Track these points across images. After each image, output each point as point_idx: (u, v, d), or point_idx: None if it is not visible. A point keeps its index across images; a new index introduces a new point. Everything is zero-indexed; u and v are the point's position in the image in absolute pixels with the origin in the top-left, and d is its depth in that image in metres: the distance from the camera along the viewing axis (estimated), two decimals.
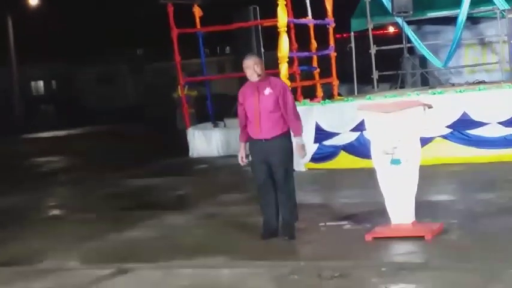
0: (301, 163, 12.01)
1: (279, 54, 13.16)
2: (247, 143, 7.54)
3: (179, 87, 17.04)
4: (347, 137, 12.02)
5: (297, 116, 7.41)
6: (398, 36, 16.91)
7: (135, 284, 6.52)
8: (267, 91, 7.31)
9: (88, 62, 44.10)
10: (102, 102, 40.55)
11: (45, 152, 21.00)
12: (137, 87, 45.63)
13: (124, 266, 6.99)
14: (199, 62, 17.92)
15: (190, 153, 16.28)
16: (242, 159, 7.54)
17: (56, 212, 11.28)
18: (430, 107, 7.22)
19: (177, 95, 17.66)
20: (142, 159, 16.44)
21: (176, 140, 17.29)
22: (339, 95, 15.92)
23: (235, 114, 18.46)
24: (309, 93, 15.39)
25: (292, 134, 7.43)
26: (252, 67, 7.31)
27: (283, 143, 7.34)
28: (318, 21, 15.99)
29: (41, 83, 47.06)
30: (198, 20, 16.35)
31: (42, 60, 42.85)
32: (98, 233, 8.77)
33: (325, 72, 16.10)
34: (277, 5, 13.38)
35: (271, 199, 7.47)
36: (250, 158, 7.53)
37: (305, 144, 7.53)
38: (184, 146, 16.37)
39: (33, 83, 46.33)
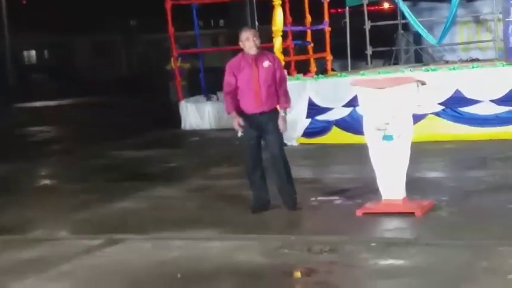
0: (293, 138, 12.03)
1: (273, 28, 13.09)
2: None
3: (172, 59, 16.97)
4: (340, 112, 12.02)
5: (287, 90, 7.46)
6: (393, 13, 16.86)
7: (125, 254, 6.53)
8: (266, 64, 7.31)
9: (81, 32, 43.85)
10: (95, 73, 40.37)
11: (37, 121, 20.95)
12: (130, 58, 45.49)
13: (114, 237, 7.00)
14: (193, 34, 17.85)
15: (182, 126, 16.27)
16: (239, 124, 7.33)
17: (46, 182, 11.27)
18: (423, 83, 7.21)
19: (170, 67, 17.60)
20: (135, 131, 16.40)
21: (169, 112, 17.26)
22: (333, 70, 15.88)
23: None
24: (303, 68, 15.36)
25: (279, 106, 7.41)
26: (251, 39, 7.28)
27: (277, 117, 7.39)
28: None
29: (33, 53, 46.82)
30: None
31: (35, 30, 42.58)
32: (88, 203, 8.77)
33: (319, 47, 16.04)
34: None
35: (261, 173, 7.52)
36: (239, 133, 7.46)
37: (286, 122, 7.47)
38: (177, 119, 16.36)
39: (25, 52, 46.08)
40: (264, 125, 7.35)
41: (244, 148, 7.53)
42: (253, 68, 7.30)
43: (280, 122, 7.35)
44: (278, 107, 7.45)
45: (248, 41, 7.30)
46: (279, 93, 7.37)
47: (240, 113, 7.41)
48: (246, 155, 7.53)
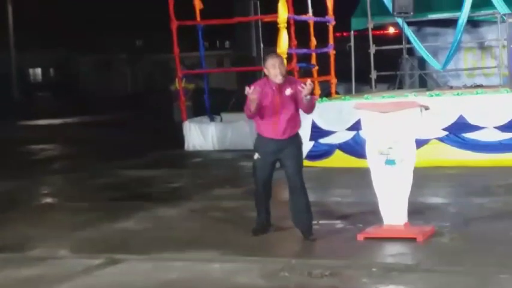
0: None
1: (278, 50, 13.16)
2: (256, 140, 7.37)
3: (177, 79, 17.01)
4: (343, 135, 12.02)
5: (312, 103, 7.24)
6: (398, 37, 16.88)
7: (125, 274, 6.51)
8: (288, 91, 7.13)
9: (87, 51, 44.05)
10: (100, 91, 40.51)
11: (41, 139, 20.97)
12: (135, 78, 45.63)
13: (115, 257, 6.98)
14: (198, 55, 17.88)
15: (185, 146, 16.27)
16: (250, 89, 6.98)
17: (48, 200, 11.26)
18: (427, 108, 7.22)
19: (174, 87, 17.64)
20: (138, 150, 16.41)
21: (172, 132, 17.28)
22: (337, 93, 15.91)
23: (232, 109, 18.50)
24: None
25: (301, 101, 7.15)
26: (278, 67, 7.07)
27: (298, 141, 7.29)
28: (318, 19, 15.97)
29: (39, 70, 47.00)
30: (198, 13, 16.31)
31: (41, 47, 42.79)
32: (90, 222, 8.76)
33: (324, 70, 16.09)
34: (278, 0, 13.35)
35: (267, 197, 7.45)
36: (256, 156, 7.29)
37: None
38: (180, 139, 16.37)
39: (31, 70, 46.28)
40: (282, 149, 7.19)
41: (256, 169, 7.36)
42: (275, 97, 7.13)
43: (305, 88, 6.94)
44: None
45: (274, 68, 7.09)
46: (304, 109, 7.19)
47: (259, 136, 7.30)
48: (257, 176, 7.37)
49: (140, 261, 6.90)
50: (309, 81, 7.16)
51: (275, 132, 7.19)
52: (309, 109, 7.24)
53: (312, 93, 7.18)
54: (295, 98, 7.15)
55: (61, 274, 6.56)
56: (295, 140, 7.28)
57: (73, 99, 37.64)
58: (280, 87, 7.15)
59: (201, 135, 16.21)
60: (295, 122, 7.25)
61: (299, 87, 7.02)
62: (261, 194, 7.43)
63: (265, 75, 7.30)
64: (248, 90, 7.01)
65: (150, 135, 20.34)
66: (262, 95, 7.14)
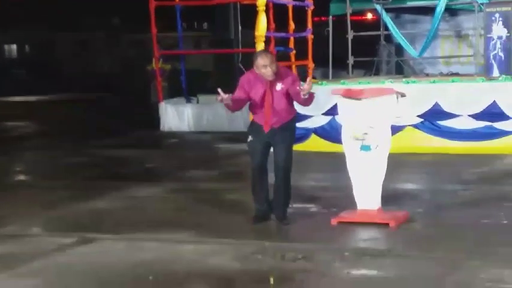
0: None
1: (256, 33, 13.12)
2: (250, 124, 7.29)
3: (154, 60, 16.93)
4: (319, 120, 12.05)
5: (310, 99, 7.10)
6: (376, 23, 16.89)
7: (97, 254, 6.49)
8: (279, 86, 7.03)
9: (63, 29, 43.63)
10: (76, 70, 40.16)
11: (14, 116, 20.81)
12: (112, 57, 45.27)
13: (87, 236, 6.96)
14: (175, 35, 17.80)
15: (161, 127, 16.24)
16: (222, 98, 6.93)
17: (21, 177, 11.19)
18: (403, 95, 7.25)
19: (151, 67, 17.55)
20: (113, 130, 16.35)
21: (148, 112, 17.22)
22: (314, 78, 15.91)
23: (208, 91, 18.42)
24: None
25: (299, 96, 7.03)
26: (269, 66, 6.94)
27: (291, 126, 7.22)
28: (297, 3, 15.94)
29: (14, 47, 46.51)
30: None
31: (17, 24, 42.31)
32: (63, 201, 8.72)
33: (301, 55, 16.08)
34: None
35: (264, 183, 7.30)
36: (249, 138, 7.20)
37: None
38: (156, 120, 16.32)
39: (6, 46, 45.77)
40: (274, 135, 7.12)
41: (250, 153, 7.29)
42: (267, 91, 7.05)
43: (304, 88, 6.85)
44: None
45: (265, 68, 6.96)
46: (300, 102, 7.07)
47: (253, 122, 7.23)
48: (252, 159, 7.28)
49: (113, 241, 6.89)
50: (308, 79, 7.14)
51: (267, 123, 7.12)
52: (307, 104, 7.12)
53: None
54: (286, 92, 7.05)
55: (33, 252, 6.53)
56: (288, 126, 7.19)
57: (48, 77, 37.28)
58: (271, 83, 7.05)
59: (177, 116, 16.18)
60: (287, 112, 7.16)
61: (297, 89, 6.89)
62: (257, 178, 7.27)
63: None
64: (219, 99, 6.94)
65: (126, 115, 20.25)
66: (251, 88, 7.07)
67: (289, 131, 7.22)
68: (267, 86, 7.06)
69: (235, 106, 7.16)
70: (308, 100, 7.05)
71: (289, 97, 7.10)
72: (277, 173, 7.26)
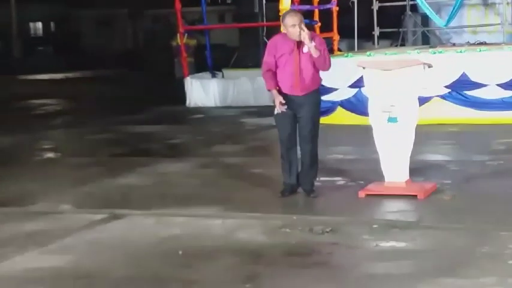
0: None
1: (281, 7, 13.03)
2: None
3: (178, 35, 16.91)
4: (345, 92, 11.99)
5: (329, 62, 7.07)
6: None
7: (127, 230, 6.55)
8: (306, 48, 6.96)
9: (88, 5, 43.72)
10: (101, 46, 40.30)
11: (41, 94, 20.95)
12: (136, 33, 45.34)
13: (117, 212, 7.01)
14: (199, 10, 17.76)
15: (187, 103, 16.25)
16: (281, 103, 6.99)
17: (49, 154, 11.28)
18: (430, 66, 7.17)
19: (176, 43, 17.54)
20: (139, 106, 16.40)
21: (173, 88, 17.24)
22: (339, 50, 15.81)
23: (233, 65, 18.42)
24: None
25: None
26: (298, 25, 6.88)
27: (316, 97, 7.17)
28: None
29: (39, 24, 46.72)
30: None
31: (42, 1, 42.46)
32: (91, 177, 8.78)
33: (326, 27, 15.94)
34: None
35: (293, 155, 7.26)
36: (276, 111, 7.10)
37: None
38: (182, 95, 16.34)
39: (31, 24, 45.99)
40: (299, 106, 7.08)
41: (278, 126, 7.25)
42: (294, 53, 7.00)
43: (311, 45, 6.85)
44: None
45: (293, 28, 6.91)
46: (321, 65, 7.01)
47: (279, 91, 7.12)
48: (279, 131, 7.25)
49: (142, 217, 6.94)
50: (304, 33, 6.88)
51: (293, 89, 7.06)
52: (321, 65, 7.03)
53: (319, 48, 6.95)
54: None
55: (64, 228, 6.59)
56: (313, 97, 7.14)
57: (74, 54, 37.45)
58: (298, 44, 7.00)
59: (202, 91, 16.17)
60: (314, 79, 7.10)
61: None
62: (285, 150, 7.24)
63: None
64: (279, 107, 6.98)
65: (151, 91, 20.31)
66: (278, 51, 7.03)
67: (314, 102, 7.17)
68: (294, 46, 7.00)
69: (274, 77, 7.08)
70: (320, 61, 6.96)
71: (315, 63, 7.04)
72: (304, 146, 7.25)
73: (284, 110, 7.04)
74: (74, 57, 35.16)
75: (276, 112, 7.18)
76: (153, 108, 16.02)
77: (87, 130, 13.21)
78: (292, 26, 6.93)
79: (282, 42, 7.08)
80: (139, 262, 5.65)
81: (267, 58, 7.14)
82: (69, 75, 29.31)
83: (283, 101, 7.01)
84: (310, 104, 7.13)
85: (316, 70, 7.12)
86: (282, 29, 7.08)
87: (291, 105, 7.10)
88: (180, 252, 5.74)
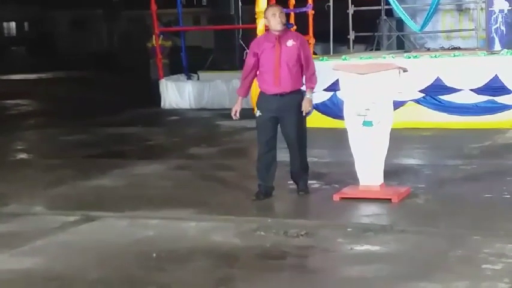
0: None
1: (257, 9, 13.01)
2: (258, 97, 7.26)
3: (154, 36, 16.86)
4: (320, 96, 11.99)
5: (315, 70, 7.25)
6: None
7: (100, 232, 6.50)
8: (290, 43, 7.07)
9: (62, 6, 43.44)
10: (75, 47, 40.06)
11: (14, 94, 20.75)
12: (111, 34, 45.13)
13: (90, 214, 6.96)
14: (175, 12, 17.70)
15: (162, 104, 16.20)
16: (236, 113, 7.22)
17: (22, 155, 11.17)
18: (405, 70, 7.21)
19: (151, 44, 17.47)
20: (114, 107, 16.31)
21: (148, 90, 17.17)
22: (314, 53, 15.84)
23: (208, 67, 18.37)
24: None
25: (305, 86, 7.18)
26: (279, 16, 7.06)
27: (298, 99, 7.17)
28: None
29: (13, 24, 46.34)
30: None
31: (16, 1, 42.12)
32: (64, 179, 8.71)
33: (302, 30, 15.93)
34: None
35: (270, 158, 7.25)
36: (258, 113, 7.18)
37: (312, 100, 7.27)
38: (157, 97, 16.27)
39: (5, 24, 45.61)
40: (283, 106, 7.09)
41: (258, 129, 7.26)
42: (276, 47, 7.06)
43: (304, 103, 7.07)
44: (304, 87, 7.20)
45: (274, 17, 7.07)
46: (306, 72, 7.14)
47: (261, 93, 7.21)
48: (259, 134, 7.25)
49: (116, 219, 6.89)
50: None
51: (276, 84, 7.08)
52: (311, 79, 7.23)
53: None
54: (298, 52, 7.10)
55: (36, 230, 6.53)
56: (296, 98, 7.15)
57: (48, 54, 37.18)
58: (281, 38, 7.09)
59: (177, 93, 16.13)
60: (297, 76, 7.16)
61: (308, 54, 7.17)
62: (263, 154, 7.24)
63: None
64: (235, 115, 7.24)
65: (126, 92, 20.20)
66: (260, 48, 7.14)
67: (297, 105, 7.15)
68: (276, 41, 7.09)
69: (249, 85, 7.27)
70: (314, 74, 7.19)
71: (299, 62, 7.12)
72: (293, 153, 7.28)
73: (236, 119, 7.28)
74: (47, 58, 34.90)
75: (257, 114, 7.21)
76: (128, 110, 15.93)
77: (60, 131, 13.10)
78: (272, 16, 7.10)
79: (264, 39, 7.23)
80: (112, 264, 5.61)
81: (248, 59, 7.24)
82: (43, 75, 29.08)
83: (238, 114, 7.23)
84: (293, 108, 7.13)
85: (300, 68, 7.17)
86: (260, 30, 7.18)
87: (273, 108, 7.13)
88: (154, 255, 5.71)
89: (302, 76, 7.24)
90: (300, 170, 7.36)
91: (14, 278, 5.33)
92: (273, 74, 7.08)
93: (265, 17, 7.20)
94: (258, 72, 7.23)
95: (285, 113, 7.13)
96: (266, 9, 7.32)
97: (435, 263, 5.34)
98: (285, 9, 16.44)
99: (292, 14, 15.94)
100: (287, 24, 7.34)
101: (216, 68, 17.51)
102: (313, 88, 7.22)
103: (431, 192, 7.42)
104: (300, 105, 7.16)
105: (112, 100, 18.30)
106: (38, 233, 6.42)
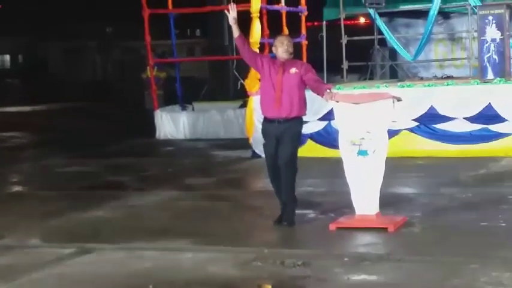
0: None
1: (251, 40, 13.10)
2: (262, 125, 7.47)
3: (148, 67, 16.92)
4: (315, 125, 12.04)
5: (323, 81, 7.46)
6: (370, 28, 16.91)
7: (96, 264, 6.48)
8: (293, 70, 7.26)
9: (57, 38, 43.58)
10: (70, 79, 40.10)
11: (9, 126, 20.75)
12: (105, 65, 45.24)
13: (86, 246, 6.94)
14: (169, 43, 17.79)
15: (157, 135, 16.23)
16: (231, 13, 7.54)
17: (18, 188, 11.16)
18: (399, 99, 7.25)
19: (146, 75, 17.55)
20: (109, 139, 16.33)
21: (143, 120, 17.20)
22: None
23: (203, 98, 18.40)
24: None
25: (324, 94, 7.13)
26: (285, 43, 7.29)
27: (297, 126, 7.33)
28: (291, 9, 15.97)
29: (7, 57, 46.45)
30: (170, 1, 16.23)
31: (10, 34, 42.25)
32: (60, 211, 8.70)
33: None
34: None
35: (279, 182, 7.41)
36: (263, 141, 7.45)
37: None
38: (152, 128, 16.30)
39: None
40: (281, 133, 7.25)
41: (265, 153, 7.50)
42: (279, 73, 7.24)
43: (327, 95, 7.05)
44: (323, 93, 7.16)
45: (282, 45, 7.28)
46: (318, 91, 7.19)
47: (263, 121, 7.42)
48: (266, 161, 7.48)
49: (112, 251, 6.87)
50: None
51: (276, 108, 7.23)
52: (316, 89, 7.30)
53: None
54: (300, 79, 7.24)
55: (32, 263, 6.51)
56: (294, 125, 7.30)
57: (42, 86, 37.21)
58: (284, 66, 7.27)
59: (172, 124, 16.17)
60: (298, 103, 7.28)
61: (314, 76, 7.27)
62: (272, 181, 7.46)
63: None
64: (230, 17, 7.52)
65: (121, 123, 20.23)
66: (264, 65, 7.33)
67: (296, 132, 7.32)
68: (280, 68, 7.26)
69: (245, 47, 7.48)
70: (323, 84, 7.36)
71: (302, 89, 7.26)
72: (281, 174, 7.33)
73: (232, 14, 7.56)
74: (42, 90, 34.93)
75: (263, 142, 7.40)
76: (123, 141, 15.95)
77: (56, 163, 13.10)
78: (280, 43, 7.33)
79: (272, 61, 7.40)
80: None
81: (254, 53, 7.72)
82: (38, 107, 29.11)
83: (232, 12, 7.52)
84: (290, 134, 7.26)
85: (302, 95, 7.28)
86: (273, 49, 7.42)
87: (273, 134, 7.29)
88: (151, 287, 5.69)
89: (304, 104, 7.36)
90: (286, 199, 7.37)
91: None
92: (273, 98, 7.25)
93: (274, 45, 7.41)
94: (259, 95, 7.53)
95: (282, 137, 7.26)
96: (276, 38, 7.52)
97: None
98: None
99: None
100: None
101: (211, 98, 17.57)
102: (330, 88, 7.20)
103: (427, 220, 7.43)
104: (298, 134, 7.32)
105: (107, 131, 18.32)
106: (34, 266, 6.40)
